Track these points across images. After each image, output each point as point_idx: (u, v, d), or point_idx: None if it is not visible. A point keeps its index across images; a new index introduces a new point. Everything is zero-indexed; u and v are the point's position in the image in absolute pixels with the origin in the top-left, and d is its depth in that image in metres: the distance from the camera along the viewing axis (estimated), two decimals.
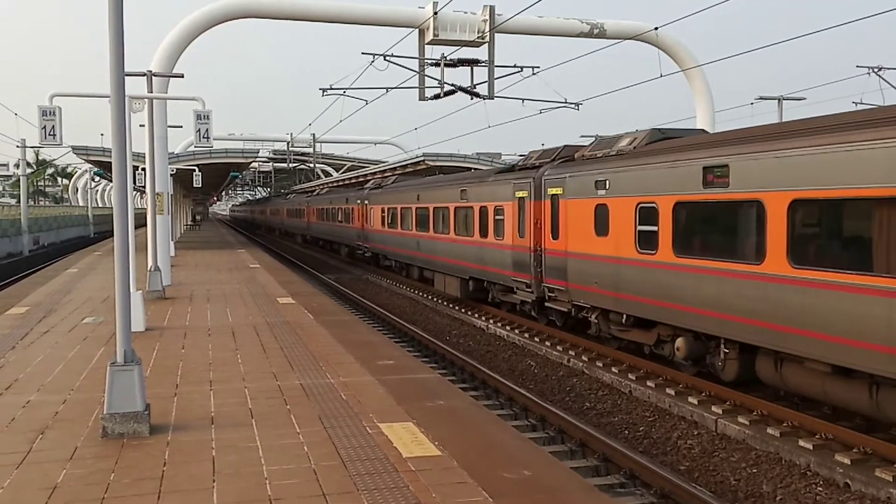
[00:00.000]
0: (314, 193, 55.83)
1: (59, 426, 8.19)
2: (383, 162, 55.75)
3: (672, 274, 12.75)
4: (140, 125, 21.34)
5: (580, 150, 17.24)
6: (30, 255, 48.90)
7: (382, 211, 31.99)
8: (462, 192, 22.56)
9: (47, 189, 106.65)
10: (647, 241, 13.50)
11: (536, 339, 17.88)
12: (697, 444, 10.98)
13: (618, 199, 14.43)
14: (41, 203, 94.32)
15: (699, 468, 10.20)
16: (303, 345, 12.74)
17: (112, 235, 9.75)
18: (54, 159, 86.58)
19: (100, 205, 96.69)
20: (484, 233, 20.91)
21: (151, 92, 19.91)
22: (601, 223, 15.02)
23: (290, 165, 75.21)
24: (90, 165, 45.82)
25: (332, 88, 27.41)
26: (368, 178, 46.39)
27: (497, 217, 20.07)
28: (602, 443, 10.39)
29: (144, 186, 22.49)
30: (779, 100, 37.13)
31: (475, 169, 33.91)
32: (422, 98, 25.54)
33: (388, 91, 27.26)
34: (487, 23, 24.72)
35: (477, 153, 45.62)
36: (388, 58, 24.26)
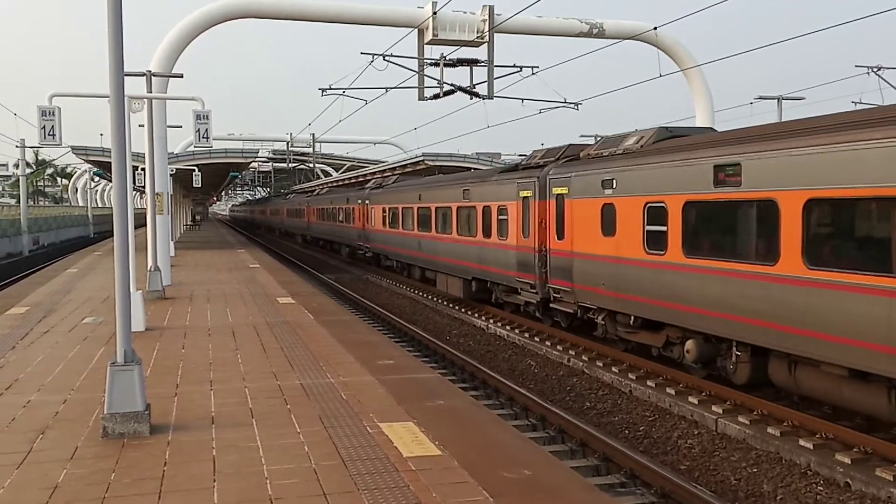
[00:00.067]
0: (314, 193, 55.79)
1: (60, 426, 8.19)
2: (383, 162, 55.75)
3: (682, 275, 12.50)
4: (139, 125, 21.36)
5: (585, 150, 17.02)
6: (29, 256, 48.89)
7: (384, 211, 31.83)
8: (465, 192, 22.39)
9: (47, 189, 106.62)
10: (655, 242, 13.26)
11: (537, 338, 17.87)
12: (698, 443, 10.98)
13: (625, 198, 14.21)
14: (41, 203, 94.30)
15: (699, 468, 10.20)
16: (303, 345, 12.74)
17: (112, 235, 9.75)
18: (54, 159, 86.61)
19: (99, 205, 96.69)
20: (487, 233, 20.74)
21: (151, 92, 19.91)
22: (608, 223, 14.80)
23: (290, 165, 75.19)
24: (90, 165, 45.82)
25: (331, 88, 27.43)
26: (368, 177, 46.38)
27: (500, 217, 19.88)
28: (602, 442, 10.39)
29: (144, 186, 22.48)
30: (778, 99, 37.13)
31: (475, 169, 33.86)
32: (421, 98, 25.54)
33: (387, 91, 27.30)
34: (487, 22, 24.72)
35: (476, 153, 45.63)
36: (387, 58, 24.27)
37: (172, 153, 32.50)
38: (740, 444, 10.66)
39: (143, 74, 19.95)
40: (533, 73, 25.45)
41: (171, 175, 26.32)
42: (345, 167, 70.99)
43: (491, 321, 20.46)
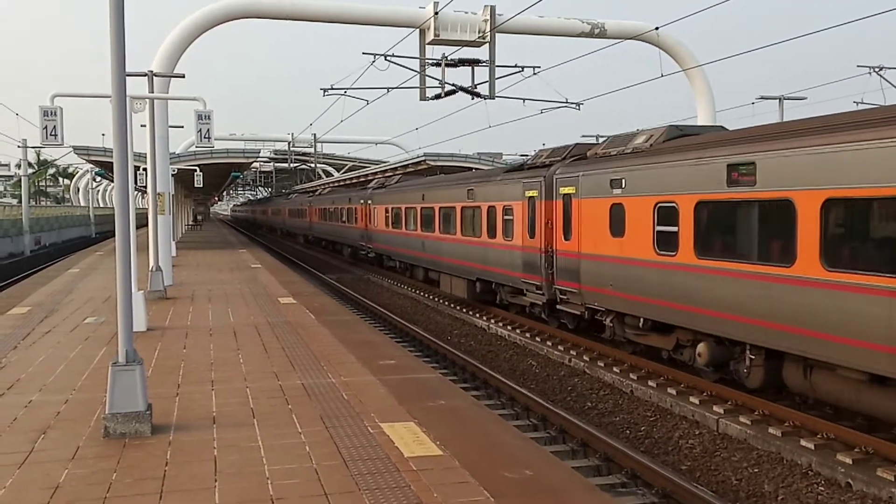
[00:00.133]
0: (316, 193, 55.76)
1: (61, 426, 8.19)
2: (384, 162, 55.79)
3: (693, 276, 12.25)
4: (141, 125, 21.35)
5: (593, 149, 16.77)
6: (31, 256, 48.93)
7: (386, 211, 31.64)
8: (469, 192, 22.18)
9: (49, 189, 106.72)
10: (666, 242, 13.01)
11: (538, 339, 17.86)
12: (699, 443, 10.98)
13: (635, 198, 13.95)
14: (42, 203, 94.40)
15: (700, 468, 10.19)
16: (304, 345, 12.74)
17: (113, 235, 9.77)
18: (55, 159, 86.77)
19: (101, 205, 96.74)
20: (492, 233, 20.53)
21: (153, 92, 19.93)
22: (617, 223, 14.54)
23: (292, 165, 75.30)
24: (91, 165, 45.89)
25: (333, 88, 27.46)
26: (370, 177, 46.39)
27: (506, 217, 19.66)
28: (603, 442, 10.38)
29: (145, 186, 22.50)
30: (780, 99, 37.13)
31: (476, 169, 33.82)
32: (423, 98, 25.54)
33: (388, 91, 27.32)
34: (488, 23, 24.72)
35: (478, 153, 45.74)
36: (388, 58, 24.29)
37: (174, 153, 32.54)
38: (741, 445, 10.65)
39: (145, 75, 19.98)
40: (534, 73, 25.48)
41: (172, 175, 26.38)
42: (346, 167, 71.05)
43: (492, 321, 20.45)
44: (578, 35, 26.78)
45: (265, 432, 7.89)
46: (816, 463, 9.56)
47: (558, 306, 17.23)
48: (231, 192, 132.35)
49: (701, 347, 12.53)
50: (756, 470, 9.84)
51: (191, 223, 74.50)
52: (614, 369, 14.59)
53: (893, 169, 8.85)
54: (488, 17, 24.78)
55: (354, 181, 52.75)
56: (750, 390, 11.88)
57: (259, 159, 64.12)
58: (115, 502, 6.10)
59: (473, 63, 25.04)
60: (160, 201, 20.98)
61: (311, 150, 69.12)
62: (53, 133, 14.41)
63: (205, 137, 17.12)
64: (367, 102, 29.94)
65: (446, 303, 24.21)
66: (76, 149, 33.02)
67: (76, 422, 8.33)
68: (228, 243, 46.81)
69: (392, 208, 30.80)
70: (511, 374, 15.55)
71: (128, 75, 8.23)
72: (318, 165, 72.83)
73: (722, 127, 14.82)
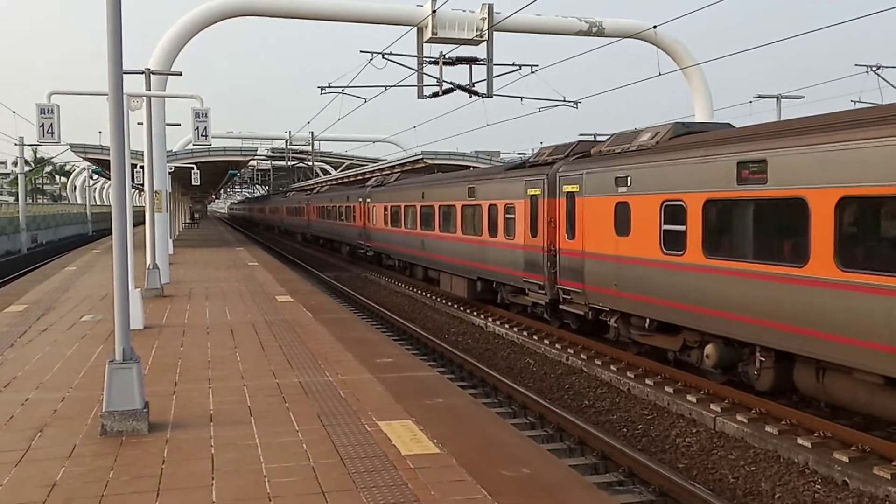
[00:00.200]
0: (314, 191, 55.70)
1: (58, 424, 8.19)
2: (382, 160, 55.76)
3: (702, 276, 12.02)
4: (138, 123, 21.36)
5: (596, 146, 16.56)
6: (28, 253, 48.88)
7: (385, 209, 31.44)
8: (470, 190, 21.97)
9: (45, 187, 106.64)
10: (673, 241, 12.78)
11: (535, 337, 17.86)
12: (696, 441, 10.99)
13: (641, 196, 13.71)
14: (39, 201, 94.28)
15: (697, 466, 10.21)
16: (301, 343, 12.74)
17: (110, 233, 9.75)
18: (52, 157, 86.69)
19: (98, 203, 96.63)
20: (493, 232, 20.33)
21: (150, 90, 19.90)
22: (622, 222, 14.30)
23: (289, 164, 75.19)
24: (88, 163, 45.80)
25: (330, 86, 27.40)
26: (367, 176, 46.36)
27: (507, 215, 19.46)
28: (601, 441, 10.39)
29: (143, 184, 22.47)
30: (777, 98, 37.16)
31: (474, 167, 33.77)
32: (420, 96, 25.53)
33: (386, 89, 27.33)
34: (486, 21, 24.72)
35: (476, 151, 45.70)
36: (386, 56, 24.26)
37: (171, 151, 32.54)
38: (738, 443, 10.67)
39: (142, 72, 19.93)
40: (532, 72, 25.47)
41: (169, 173, 26.34)
42: (344, 165, 70.98)
43: (489, 319, 20.45)
44: (576, 33, 26.77)
45: (262, 430, 7.89)
46: (813, 461, 9.57)
47: (561, 306, 17.01)
48: (228, 190, 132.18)
49: (709, 349, 12.32)
50: (753, 468, 9.85)
51: (188, 221, 74.45)
52: (612, 367, 14.59)
53: None
54: (486, 16, 24.77)
55: (352, 179, 52.71)
56: (748, 389, 11.89)
57: (256, 157, 64.04)
58: (112, 500, 6.09)
59: (471, 61, 25.03)
60: (157, 199, 20.96)
61: (309, 148, 69.04)
62: (50, 131, 14.39)
63: (202, 135, 17.11)
64: (364, 100, 29.93)
65: (444, 301, 24.20)
66: (73, 146, 32.96)
67: (73, 420, 8.32)
68: (225, 241, 46.78)
69: (391, 206, 30.63)
70: (508, 372, 15.55)
71: (125, 73, 8.23)
72: (315, 164, 72.76)
73: (729, 124, 14.55)
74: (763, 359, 11.29)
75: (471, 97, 25.60)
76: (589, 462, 10.11)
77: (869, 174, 9.10)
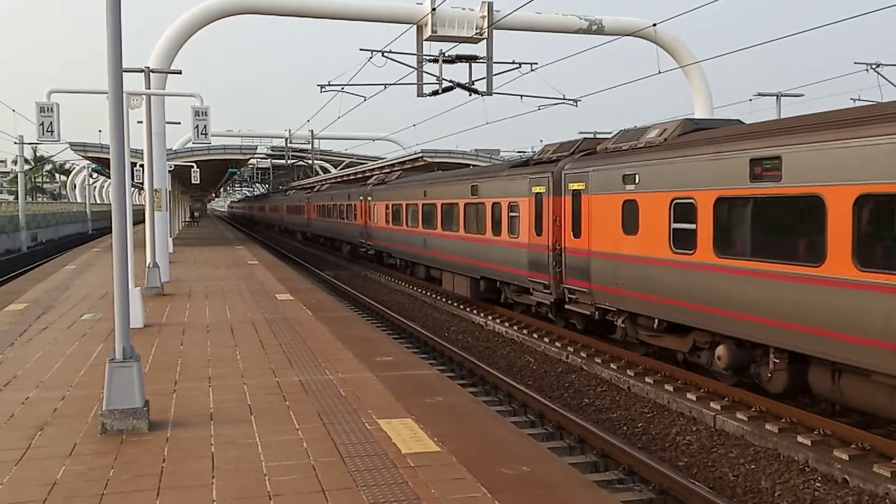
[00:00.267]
0: (314, 190, 55.67)
1: (58, 422, 8.19)
2: (382, 158, 55.74)
3: (713, 276, 11.76)
4: (138, 122, 21.35)
5: (603, 143, 16.39)
6: (28, 252, 48.87)
7: (387, 207, 31.21)
8: (473, 188, 21.76)
9: (45, 185, 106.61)
10: (683, 240, 12.52)
11: (535, 335, 17.86)
12: (696, 439, 10.99)
13: (649, 194, 13.45)
14: (39, 199, 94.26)
15: (698, 464, 10.21)
16: (301, 341, 12.74)
17: (110, 232, 9.75)
18: (52, 156, 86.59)
19: (98, 201, 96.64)
20: (497, 230, 20.12)
21: (149, 88, 19.87)
22: (630, 220, 14.06)
23: (289, 162, 75.15)
24: (88, 162, 45.81)
25: (330, 84, 27.39)
26: (368, 174, 46.34)
27: (511, 214, 19.24)
28: (601, 439, 10.40)
29: (142, 183, 22.47)
30: (777, 96, 37.15)
31: (473, 165, 33.72)
32: (420, 94, 25.48)
33: (386, 87, 27.26)
34: (486, 19, 24.70)
35: (475, 149, 45.72)
36: (386, 54, 24.23)
37: (171, 150, 32.53)
38: (738, 441, 10.67)
39: (142, 71, 19.90)
40: (532, 70, 25.44)
41: (169, 171, 26.34)
42: (343, 164, 70.96)
43: (489, 318, 20.45)
44: (576, 32, 26.74)
45: (262, 429, 7.89)
46: (813, 459, 9.58)
47: (567, 306, 16.78)
48: (228, 188, 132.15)
49: (720, 350, 12.08)
50: (753, 466, 9.85)
51: (188, 220, 74.45)
52: (611, 366, 14.60)
53: None
54: (486, 14, 24.74)
55: (351, 177, 52.66)
56: (747, 388, 11.89)
57: (256, 156, 64.03)
58: (112, 499, 6.09)
59: (471, 59, 24.98)
60: (157, 197, 20.96)
61: (309, 146, 69.00)
62: (50, 129, 14.39)
63: (202, 134, 17.10)
64: (364, 99, 29.92)
65: (444, 299, 24.20)
66: (73, 145, 32.96)
67: (73, 418, 8.33)
68: (225, 240, 46.77)
69: (392, 205, 30.43)
70: (508, 370, 15.56)
71: (124, 71, 8.23)
72: (315, 162, 72.72)
73: (739, 120, 14.30)
74: (776, 361, 11.06)
75: (470, 95, 25.56)
76: (589, 460, 10.12)
77: (889, 171, 8.86)
